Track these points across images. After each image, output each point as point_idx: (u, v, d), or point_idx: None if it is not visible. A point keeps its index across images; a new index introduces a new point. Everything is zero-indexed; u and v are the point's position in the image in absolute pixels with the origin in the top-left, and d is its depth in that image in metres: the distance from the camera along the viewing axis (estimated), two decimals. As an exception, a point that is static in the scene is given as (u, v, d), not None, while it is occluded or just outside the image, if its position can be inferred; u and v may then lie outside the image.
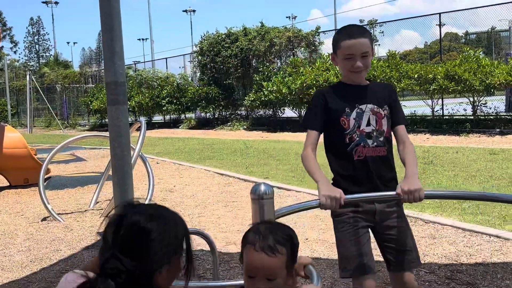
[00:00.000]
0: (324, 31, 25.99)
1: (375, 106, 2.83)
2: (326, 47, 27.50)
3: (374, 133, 2.82)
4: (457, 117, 18.14)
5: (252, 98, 23.03)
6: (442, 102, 18.77)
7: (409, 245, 2.86)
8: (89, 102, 34.66)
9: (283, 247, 1.89)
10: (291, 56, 24.55)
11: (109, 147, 5.69)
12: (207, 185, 9.51)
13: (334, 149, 2.90)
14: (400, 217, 2.88)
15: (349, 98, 2.83)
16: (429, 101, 18.50)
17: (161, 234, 1.68)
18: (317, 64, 21.00)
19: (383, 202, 2.82)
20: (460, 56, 18.00)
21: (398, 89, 18.55)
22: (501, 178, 8.45)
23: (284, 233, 1.95)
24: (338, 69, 17.65)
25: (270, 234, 1.91)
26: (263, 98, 22.33)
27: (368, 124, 2.80)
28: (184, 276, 1.77)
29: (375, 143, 2.82)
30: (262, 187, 2.09)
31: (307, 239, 5.59)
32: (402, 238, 2.84)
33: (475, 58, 17.00)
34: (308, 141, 2.87)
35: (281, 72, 22.82)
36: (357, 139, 2.80)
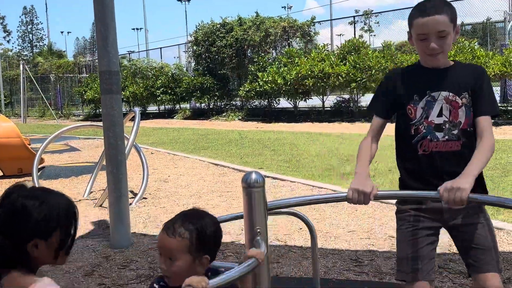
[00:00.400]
0: (319, 21, 25.94)
1: (450, 94, 2.44)
2: (322, 37, 27.48)
3: (446, 125, 2.45)
4: (451, 108, 18.15)
5: (247, 89, 23.00)
6: (437, 93, 18.79)
7: (488, 244, 2.47)
8: (83, 92, 34.52)
9: (187, 232, 2.01)
10: (286, 47, 24.50)
11: (103, 137, 5.69)
12: (201, 175, 9.51)
13: (400, 140, 2.60)
14: (476, 213, 2.50)
15: (421, 84, 2.47)
16: (424, 92, 18.52)
17: (34, 211, 1.85)
18: (312, 55, 20.96)
19: None
20: (455, 47, 18.01)
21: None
22: (494, 169, 8.48)
23: (197, 221, 2.07)
24: (333, 59, 17.62)
25: (180, 218, 2.07)
26: (258, 89, 22.30)
27: (440, 114, 2.43)
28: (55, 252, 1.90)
29: (446, 137, 2.45)
30: (253, 176, 2.09)
31: (301, 228, 5.60)
32: (478, 236, 2.47)
33: (470, 49, 17.02)
34: (370, 128, 2.61)
35: (276, 63, 22.77)
36: (424, 131, 2.47)
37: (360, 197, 2.25)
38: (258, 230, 2.12)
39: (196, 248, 2.02)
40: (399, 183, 2.62)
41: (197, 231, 2.03)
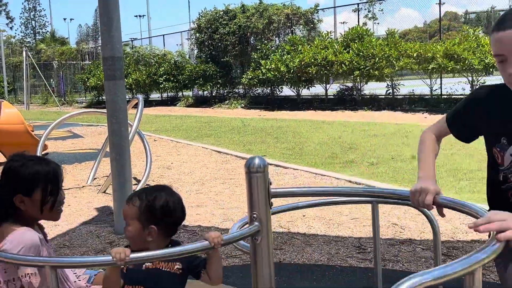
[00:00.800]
0: (323, 9, 25.82)
1: None
2: (325, 25, 27.36)
3: None
4: (455, 96, 18.10)
5: (250, 76, 22.94)
6: (441, 81, 18.72)
7: None
8: (86, 79, 34.48)
9: (139, 201, 2.26)
10: (290, 34, 24.39)
11: (106, 124, 5.68)
12: (204, 162, 9.51)
13: (490, 173, 2.11)
14: None
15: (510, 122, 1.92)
16: (428, 80, 18.45)
17: (18, 172, 2.32)
18: (315, 42, 20.88)
19: None
20: (460, 35, 17.93)
21: (396, 68, 18.53)
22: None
23: (151, 194, 2.29)
24: (336, 46, 17.51)
25: (140, 190, 2.35)
26: (261, 76, 22.24)
27: None
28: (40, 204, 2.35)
29: None
30: (256, 161, 2.07)
31: (304, 215, 5.60)
32: None
33: (474, 37, 16.93)
34: (437, 126, 2.22)
35: (279, 50, 22.69)
36: None
37: (423, 196, 1.90)
38: (255, 215, 2.11)
39: (144, 217, 2.24)
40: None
41: (147, 202, 2.25)
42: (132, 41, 39.79)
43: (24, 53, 34.87)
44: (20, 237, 2.22)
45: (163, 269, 2.24)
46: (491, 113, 1.98)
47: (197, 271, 2.30)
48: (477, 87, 1.96)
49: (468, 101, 2.11)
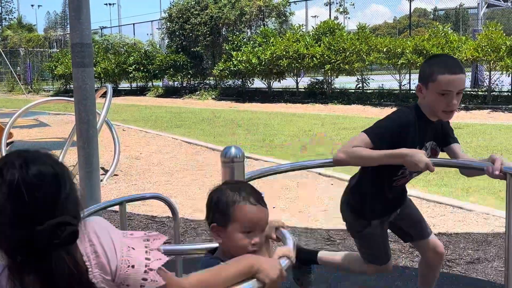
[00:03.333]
0: (295, 1, 25.81)
1: (433, 143, 2.74)
2: (297, 18, 27.39)
3: None
4: (423, 91, 18.33)
5: (221, 68, 22.82)
6: (410, 76, 18.94)
7: (420, 214, 3.03)
8: (54, 67, 33.81)
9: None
10: (262, 26, 24.34)
11: (74, 113, 5.56)
12: (174, 153, 9.43)
13: (380, 174, 2.74)
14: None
15: (422, 136, 2.66)
16: (397, 75, 18.65)
17: None
18: (287, 35, 20.87)
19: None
20: (429, 30, 18.15)
21: (366, 62, 18.68)
22: (466, 152, 8.60)
23: (254, 189, 1.90)
24: (308, 40, 17.51)
25: (249, 189, 1.87)
26: (232, 68, 22.15)
27: None
28: None
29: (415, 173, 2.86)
30: (233, 150, 2.05)
31: (274, 207, 5.60)
32: (415, 212, 3.00)
33: (443, 33, 17.16)
34: (359, 144, 2.57)
35: (251, 42, 22.62)
36: (407, 173, 2.75)
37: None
38: None
39: None
40: (356, 205, 2.86)
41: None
42: (101, 29, 39.20)
43: (-11, 39, 34.00)
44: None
45: None
46: (413, 136, 2.57)
47: None
48: (398, 110, 2.73)
49: (398, 126, 2.57)
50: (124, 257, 1.37)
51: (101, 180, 6.50)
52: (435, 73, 2.48)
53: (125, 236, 1.43)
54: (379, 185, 2.76)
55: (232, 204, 1.81)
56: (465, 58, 16.13)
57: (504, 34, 16.10)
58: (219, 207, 1.82)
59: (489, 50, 15.50)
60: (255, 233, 1.79)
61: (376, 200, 2.79)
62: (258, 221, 1.79)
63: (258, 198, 1.83)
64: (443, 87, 2.46)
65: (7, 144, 9.02)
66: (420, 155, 2.40)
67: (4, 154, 7.20)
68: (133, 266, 1.37)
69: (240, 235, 1.79)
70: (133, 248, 1.41)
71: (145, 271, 1.38)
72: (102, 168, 7.74)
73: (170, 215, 5.51)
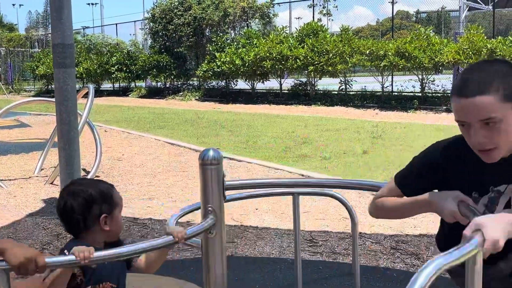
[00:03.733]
0: (278, 3, 25.87)
1: None
2: (280, 20, 27.45)
3: None
4: (405, 93, 18.49)
5: (205, 69, 22.78)
6: (392, 78, 19.09)
7: None
8: (35, 67, 33.47)
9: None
10: (245, 27, 24.34)
11: (55, 113, 5.51)
12: (157, 154, 9.39)
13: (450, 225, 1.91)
14: None
15: (482, 178, 1.82)
16: (380, 77, 18.77)
17: None
18: (271, 37, 20.90)
19: None
20: (411, 33, 18.30)
21: (349, 64, 18.77)
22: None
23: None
24: (292, 41, 17.52)
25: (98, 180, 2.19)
26: (216, 69, 22.12)
27: (509, 205, 1.82)
28: None
29: None
30: (211, 153, 2.04)
31: (257, 209, 5.60)
32: None
33: (425, 36, 17.32)
34: (386, 190, 2.00)
35: (235, 43, 22.61)
36: None
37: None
38: (210, 208, 2.08)
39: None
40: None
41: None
42: (83, 29, 38.90)
43: (-31, 38, 33.59)
44: None
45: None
46: (453, 176, 1.82)
47: (130, 260, 2.20)
48: (431, 146, 1.83)
49: (422, 165, 1.89)
50: None
51: (83, 182, 6.46)
52: (451, 93, 1.73)
53: None
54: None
55: (111, 190, 2.15)
56: (446, 61, 16.30)
57: (485, 37, 16.30)
58: (105, 197, 2.11)
59: (471, 53, 15.68)
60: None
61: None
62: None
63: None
64: (455, 115, 1.71)
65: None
66: (444, 201, 1.73)
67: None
68: None
69: (121, 216, 2.17)
70: None
71: None
72: (84, 170, 7.68)
73: (152, 216, 5.49)
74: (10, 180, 7.44)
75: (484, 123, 1.62)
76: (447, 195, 1.74)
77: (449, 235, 1.91)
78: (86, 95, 7.55)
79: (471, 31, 16.27)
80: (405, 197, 1.91)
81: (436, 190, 1.85)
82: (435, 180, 1.85)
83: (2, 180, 7.19)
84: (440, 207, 1.73)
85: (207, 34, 25.32)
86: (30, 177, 7.65)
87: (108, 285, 2.07)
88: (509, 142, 1.67)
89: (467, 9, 22.81)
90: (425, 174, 1.86)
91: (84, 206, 2.06)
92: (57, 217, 5.43)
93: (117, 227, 2.15)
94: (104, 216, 2.08)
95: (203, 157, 2.06)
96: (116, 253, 1.87)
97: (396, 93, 18.82)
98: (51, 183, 7.08)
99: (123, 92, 29.02)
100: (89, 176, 7.25)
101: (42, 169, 8.00)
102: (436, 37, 18.04)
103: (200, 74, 23.39)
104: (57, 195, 6.31)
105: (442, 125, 12.67)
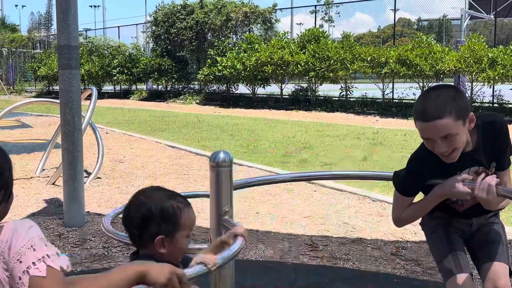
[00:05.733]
0: (281, 9, 25.95)
1: (480, 168, 2.45)
2: (282, 25, 27.48)
3: None
4: (406, 101, 18.54)
5: (206, 73, 22.84)
6: (393, 85, 19.14)
7: (499, 239, 2.56)
8: (37, 68, 33.55)
9: None
10: (247, 32, 24.42)
11: (56, 115, 5.55)
12: (157, 157, 9.41)
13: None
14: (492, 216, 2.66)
15: (450, 169, 2.41)
16: (380, 84, 18.82)
17: None
18: (272, 42, 20.97)
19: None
20: (413, 41, 18.37)
21: (350, 71, 18.82)
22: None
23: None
24: (293, 47, 17.63)
25: (176, 192, 1.93)
26: (217, 73, 22.17)
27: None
28: None
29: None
30: (221, 155, 2.07)
31: (257, 213, 5.62)
32: (491, 233, 2.58)
33: (427, 44, 17.37)
34: (400, 207, 2.56)
35: (236, 48, 22.68)
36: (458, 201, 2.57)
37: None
38: (226, 210, 2.11)
39: None
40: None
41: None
42: (86, 31, 38.99)
43: (-29, 38, 33.65)
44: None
45: None
46: (436, 173, 2.38)
47: None
48: (412, 161, 2.44)
49: (414, 178, 2.43)
50: (15, 255, 1.50)
51: (84, 183, 6.48)
52: (413, 115, 2.31)
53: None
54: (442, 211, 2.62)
55: (179, 211, 1.84)
56: (447, 69, 16.35)
57: (487, 46, 16.36)
58: (166, 217, 1.82)
59: (472, 61, 15.74)
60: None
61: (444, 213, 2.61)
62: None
63: (189, 204, 1.88)
64: (420, 133, 2.27)
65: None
66: (453, 188, 2.28)
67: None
68: (20, 262, 1.49)
69: (185, 240, 1.86)
70: (34, 249, 1.52)
71: (23, 272, 1.47)
72: (85, 171, 7.70)
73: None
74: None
75: (444, 137, 2.19)
76: (451, 183, 2.29)
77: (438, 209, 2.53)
78: (89, 97, 7.58)
79: (473, 40, 16.33)
80: (417, 200, 2.48)
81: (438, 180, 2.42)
82: (427, 179, 2.42)
83: (3, 180, 7.21)
84: (454, 192, 2.29)
85: (209, 38, 25.39)
86: (31, 177, 7.67)
87: None
88: (463, 142, 2.26)
89: (468, 17, 22.88)
90: (419, 182, 2.43)
91: (141, 221, 1.83)
92: (60, 217, 5.44)
93: (177, 251, 1.87)
94: (160, 237, 1.81)
95: (213, 159, 2.08)
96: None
97: (396, 100, 18.88)
98: (53, 184, 7.10)
99: (124, 94, 29.07)
100: (90, 177, 7.27)
101: (43, 170, 8.02)
102: (438, 45, 18.10)
103: (201, 78, 23.45)
104: (59, 195, 6.34)
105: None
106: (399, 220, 2.54)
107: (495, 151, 2.39)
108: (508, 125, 2.45)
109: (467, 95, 17.67)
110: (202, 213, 5.70)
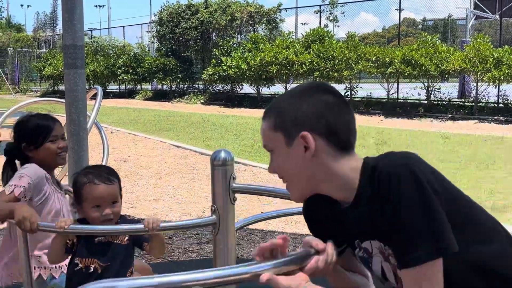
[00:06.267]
0: (285, 8, 25.96)
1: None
2: (287, 25, 27.49)
3: None
4: (411, 101, 18.51)
5: (211, 73, 22.85)
6: (398, 85, 19.11)
7: None
8: (42, 68, 33.64)
9: (114, 177, 2.39)
10: (252, 32, 24.42)
11: (62, 114, 5.55)
12: (162, 156, 9.43)
13: None
14: None
15: None
16: (385, 84, 18.80)
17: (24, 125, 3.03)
18: (277, 42, 20.96)
19: None
20: (418, 41, 18.33)
21: (355, 71, 18.80)
22: (452, 161, 8.71)
23: (108, 168, 2.49)
24: (298, 47, 17.59)
25: (99, 171, 2.39)
26: (221, 73, 22.18)
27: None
28: None
29: None
30: (223, 154, 2.08)
31: (262, 212, 5.63)
32: None
33: (432, 44, 17.34)
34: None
35: (241, 48, 22.68)
36: None
37: None
38: (213, 208, 2.14)
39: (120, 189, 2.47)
40: None
41: (117, 175, 2.43)
42: (91, 31, 39.09)
43: (-23, 38, 33.76)
44: (31, 165, 2.66)
45: (115, 241, 2.33)
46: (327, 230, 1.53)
47: (140, 242, 2.40)
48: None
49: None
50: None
51: (90, 182, 6.50)
52: None
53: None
54: None
55: (81, 186, 2.32)
56: (453, 69, 16.31)
57: (492, 46, 16.31)
58: (75, 189, 2.37)
59: (477, 61, 15.70)
60: (104, 206, 2.29)
61: None
62: (102, 197, 2.30)
63: (104, 178, 2.33)
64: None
65: (-5, 144, 8.97)
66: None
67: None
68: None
69: (92, 210, 2.30)
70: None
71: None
72: (90, 170, 7.73)
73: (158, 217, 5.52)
74: (17, 179, 7.48)
75: (267, 149, 1.56)
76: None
77: None
78: (94, 96, 7.60)
79: (478, 40, 16.29)
80: None
81: None
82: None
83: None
84: None
85: (213, 38, 25.41)
86: (37, 176, 7.70)
87: (95, 261, 2.27)
88: (290, 174, 1.53)
89: (474, 17, 22.82)
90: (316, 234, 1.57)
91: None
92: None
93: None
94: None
95: (214, 158, 2.10)
96: (85, 228, 2.25)
97: (401, 100, 18.84)
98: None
99: (129, 94, 29.12)
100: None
101: (48, 169, 8.06)
102: (443, 45, 18.06)
103: (206, 78, 23.47)
104: (64, 194, 6.36)
105: (448, 133, 12.68)
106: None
107: (381, 226, 1.35)
108: None
109: (472, 95, 17.59)
110: (207, 211, 5.72)
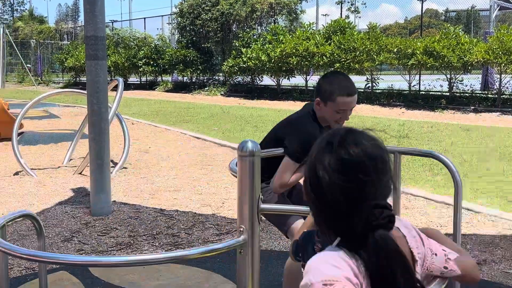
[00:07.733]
0: (306, 0, 25.78)
1: None
2: (308, 16, 27.33)
3: None
4: (433, 92, 18.30)
5: (231, 64, 22.84)
6: (420, 77, 18.89)
7: None
8: (64, 59, 33.96)
9: None
10: (272, 23, 24.34)
11: (83, 105, 5.62)
12: (183, 147, 9.47)
13: None
14: None
15: None
16: (407, 76, 18.61)
17: None
18: (297, 33, 20.86)
19: None
20: (440, 32, 18.09)
21: (376, 62, 18.63)
22: (474, 154, 8.60)
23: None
24: (318, 38, 17.41)
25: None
26: (241, 65, 22.15)
27: None
28: None
29: None
30: (250, 144, 2.06)
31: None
32: None
33: (454, 35, 17.10)
34: None
35: (261, 39, 22.62)
36: None
37: None
38: (242, 229, 2.12)
39: None
40: None
41: None
42: (112, 23, 39.28)
43: (1, 30, 34.20)
44: None
45: None
46: None
47: None
48: (303, 128, 3.03)
49: (307, 144, 1.97)
50: (427, 246, 1.46)
51: (111, 173, 6.56)
52: (334, 94, 2.82)
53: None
54: None
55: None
56: (475, 60, 16.08)
57: (516, 37, 16.02)
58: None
59: (500, 53, 15.44)
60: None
61: None
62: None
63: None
64: (341, 106, 2.82)
65: (18, 134, 9.10)
66: None
67: (15, 144, 7.26)
68: (436, 254, 1.45)
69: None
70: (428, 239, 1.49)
71: (446, 260, 1.45)
72: (111, 161, 7.79)
73: (178, 208, 5.56)
74: (39, 169, 7.59)
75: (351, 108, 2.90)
76: None
77: None
78: (115, 88, 7.65)
79: (502, 31, 16.02)
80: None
81: None
82: None
83: (32, 169, 7.34)
84: None
85: (234, 29, 25.38)
86: (59, 166, 7.79)
87: None
88: None
89: (497, 8, 22.44)
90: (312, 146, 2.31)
91: None
92: (87, 206, 5.52)
93: None
94: None
95: (241, 149, 2.06)
96: None
97: (423, 92, 18.63)
98: (80, 173, 7.21)
99: (150, 86, 29.27)
100: (116, 168, 7.36)
101: (71, 160, 8.15)
102: (466, 36, 17.79)
103: (226, 70, 23.47)
104: (86, 185, 6.44)
105: (470, 125, 12.52)
106: (285, 186, 2.86)
107: None
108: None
109: (495, 87, 17.33)
110: (226, 202, 5.73)
